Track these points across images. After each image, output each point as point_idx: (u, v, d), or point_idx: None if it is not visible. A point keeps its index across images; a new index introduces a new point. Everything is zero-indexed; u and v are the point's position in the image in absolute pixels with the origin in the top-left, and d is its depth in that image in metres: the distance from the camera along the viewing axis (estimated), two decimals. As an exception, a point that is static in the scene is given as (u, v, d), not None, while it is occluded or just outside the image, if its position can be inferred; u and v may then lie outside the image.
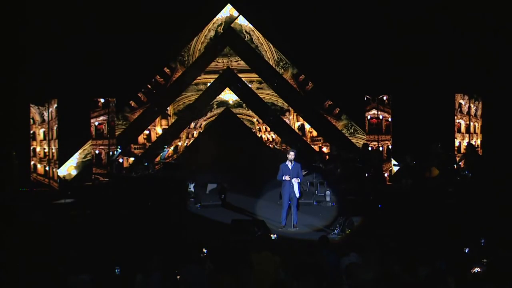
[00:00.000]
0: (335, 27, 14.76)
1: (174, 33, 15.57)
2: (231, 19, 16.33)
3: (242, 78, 16.42)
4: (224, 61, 16.48)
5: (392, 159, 14.75)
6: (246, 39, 16.33)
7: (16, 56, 14.80)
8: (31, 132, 14.97)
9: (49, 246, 8.86)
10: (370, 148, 14.44)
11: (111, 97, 15.00)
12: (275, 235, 9.07)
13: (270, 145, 16.62)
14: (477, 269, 6.03)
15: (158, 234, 9.90)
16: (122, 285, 6.34)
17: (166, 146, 15.33)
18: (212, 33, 16.36)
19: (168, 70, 16.41)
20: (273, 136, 16.64)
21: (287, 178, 10.68)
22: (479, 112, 14.21)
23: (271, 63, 16.25)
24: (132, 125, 16.20)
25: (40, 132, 14.92)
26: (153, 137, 16.49)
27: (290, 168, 10.67)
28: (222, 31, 16.34)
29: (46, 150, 14.86)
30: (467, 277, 6.03)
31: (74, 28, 14.71)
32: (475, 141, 14.09)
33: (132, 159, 14.97)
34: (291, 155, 10.74)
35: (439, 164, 12.13)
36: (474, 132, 14.24)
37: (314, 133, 16.25)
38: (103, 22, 14.71)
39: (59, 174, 14.78)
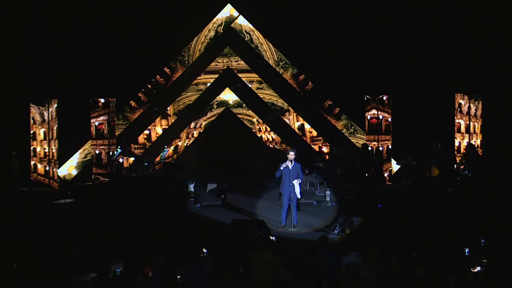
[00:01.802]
0: (335, 27, 14.78)
1: (175, 33, 15.61)
2: (231, 19, 16.33)
3: (242, 78, 16.42)
4: (224, 61, 16.49)
5: (392, 159, 14.75)
6: (246, 39, 16.33)
7: (17, 56, 14.82)
8: (32, 132, 14.97)
9: (49, 246, 8.87)
10: (370, 148, 14.45)
11: (111, 97, 15.00)
12: (274, 237, 9.07)
13: (270, 145, 16.62)
14: (477, 269, 6.04)
15: (158, 234, 9.91)
16: (122, 285, 6.34)
17: (166, 146, 15.32)
18: (212, 33, 16.37)
19: (168, 70, 16.41)
20: (273, 136, 16.64)
21: (284, 165, 10.67)
22: (479, 112, 14.21)
23: (271, 63, 16.26)
24: (132, 125, 16.21)
25: (41, 132, 14.92)
26: (153, 137, 16.49)
27: (290, 168, 10.67)
28: (222, 31, 16.34)
29: (46, 150, 14.86)
30: (467, 277, 6.04)
31: (75, 28, 14.74)
32: (475, 141, 14.09)
33: (132, 159, 14.97)
34: (291, 155, 10.74)
35: (439, 164, 12.14)
36: (474, 132, 14.24)
37: (314, 133, 16.25)
38: (103, 22, 14.74)
39: (59, 174, 14.78)
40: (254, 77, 16.44)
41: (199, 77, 16.47)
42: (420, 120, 13.83)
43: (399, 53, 14.26)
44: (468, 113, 14.27)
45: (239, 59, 16.38)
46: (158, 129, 16.49)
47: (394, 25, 14.31)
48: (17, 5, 14.81)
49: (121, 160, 14.87)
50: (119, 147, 14.60)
